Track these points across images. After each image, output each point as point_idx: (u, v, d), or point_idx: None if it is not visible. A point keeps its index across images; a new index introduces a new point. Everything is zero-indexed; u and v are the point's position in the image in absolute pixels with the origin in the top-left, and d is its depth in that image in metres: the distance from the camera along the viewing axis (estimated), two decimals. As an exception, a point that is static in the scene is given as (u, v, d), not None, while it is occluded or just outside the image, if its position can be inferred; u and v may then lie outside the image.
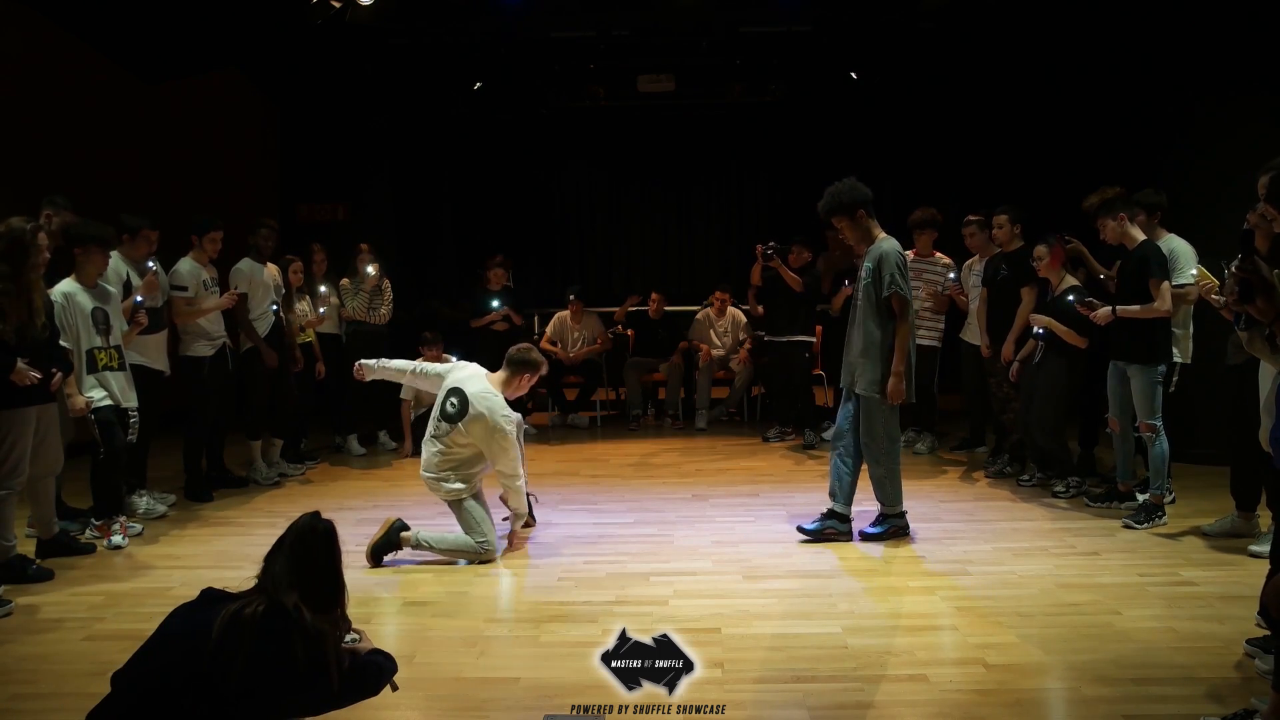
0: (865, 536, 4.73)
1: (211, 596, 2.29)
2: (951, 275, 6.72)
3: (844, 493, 4.74)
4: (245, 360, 6.00)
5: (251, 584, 2.30)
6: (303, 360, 6.50)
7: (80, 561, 4.59)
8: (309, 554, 2.30)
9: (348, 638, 2.49)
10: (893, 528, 4.73)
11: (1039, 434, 5.55)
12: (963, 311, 6.61)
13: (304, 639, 2.17)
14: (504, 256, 8.19)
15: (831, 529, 4.72)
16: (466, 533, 4.53)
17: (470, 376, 4.63)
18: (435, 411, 4.59)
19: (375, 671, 2.43)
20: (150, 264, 5.37)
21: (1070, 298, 5.24)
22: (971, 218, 6.34)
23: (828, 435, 6.24)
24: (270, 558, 2.31)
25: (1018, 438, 5.99)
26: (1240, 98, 6.18)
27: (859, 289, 4.69)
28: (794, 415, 7.43)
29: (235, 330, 5.99)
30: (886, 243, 4.61)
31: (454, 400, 4.50)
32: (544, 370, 4.80)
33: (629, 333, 8.48)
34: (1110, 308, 4.89)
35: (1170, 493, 5.21)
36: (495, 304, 7.89)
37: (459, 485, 4.55)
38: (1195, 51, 6.42)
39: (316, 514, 2.37)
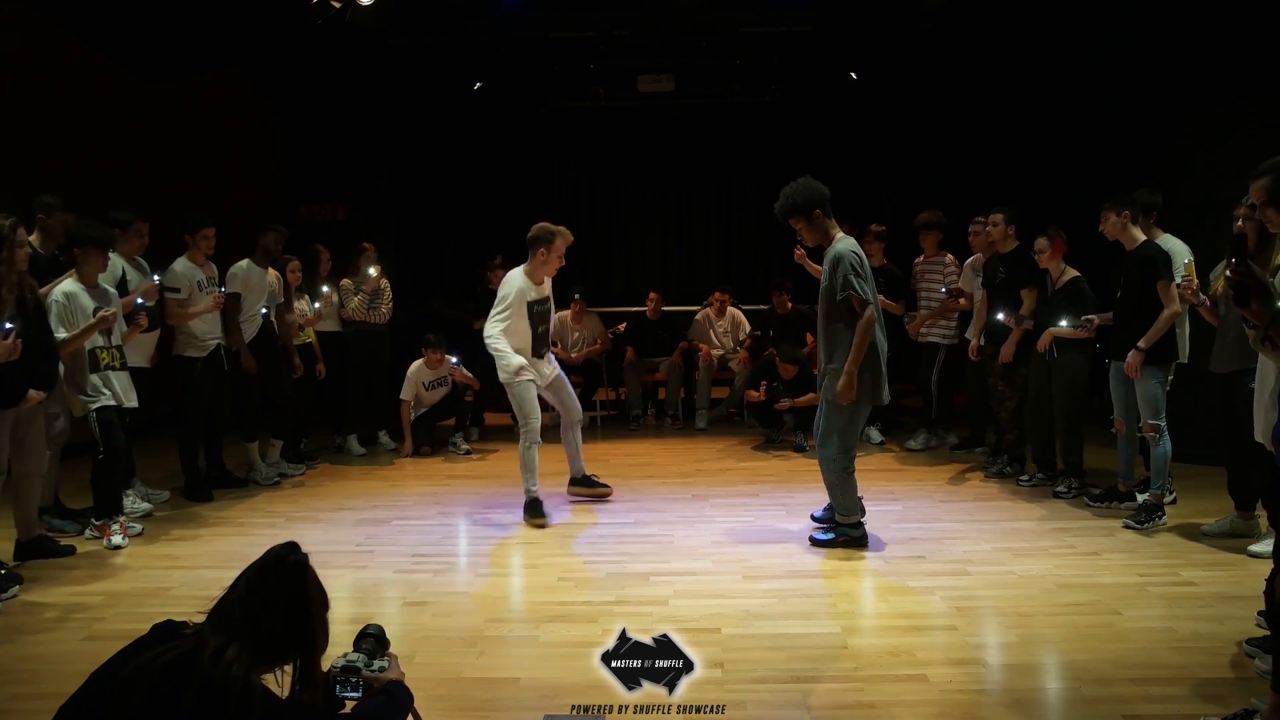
0: (814, 542, 4.65)
1: (159, 634, 1.98)
2: (954, 275, 6.71)
3: None
4: (237, 361, 5.99)
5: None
6: (302, 367, 6.49)
7: (80, 561, 4.59)
8: (268, 590, 1.97)
9: (375, 665, 2.30)
10: (843, 536, 4.60)
11: (1063, 431, 5.54)
12: (966, 311, 6.60)
13: (200, 695, 1.81)
14: (504, 257, 8.19)
15: (844, 536, 4.66)
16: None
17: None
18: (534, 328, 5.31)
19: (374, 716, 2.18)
20: (156, 277, 5.38)
21: (1064, 323, 5.30)
22: (980, 218, 6.33)
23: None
24: (231, 587, 2.00)
25: (1015, 437, 5.99)
26: (1235, 100, 6.18)
27: (821, 291, 4.56)
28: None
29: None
30: (842, 243, 4.45)
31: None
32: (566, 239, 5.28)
33: (628, 350, 8.43)
34: (1135, 352, 4.83)
35: (1171, 492, 5.21)
36: None
37: None
38: (1192, 52, 6.42)
39: (293, 544, 2.06)
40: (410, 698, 2.27)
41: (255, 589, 1.96)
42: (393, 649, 2.51)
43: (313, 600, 2.02)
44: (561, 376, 5.62)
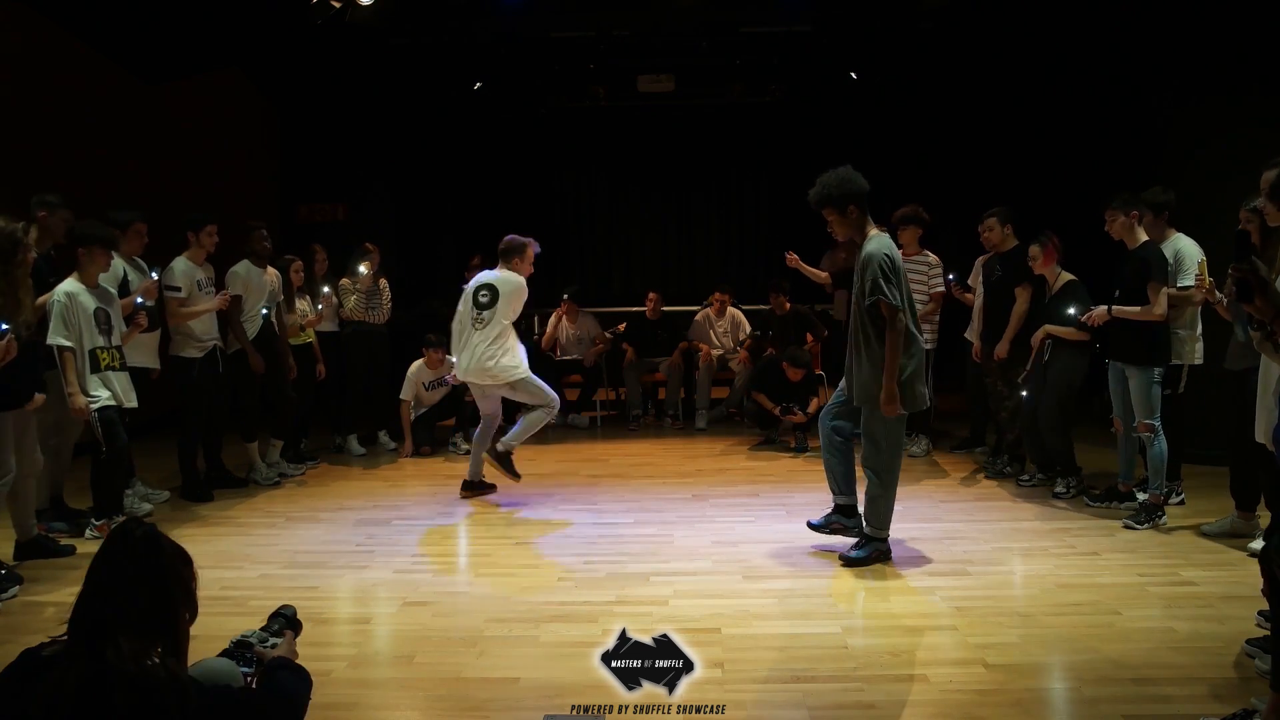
0: (847, 561, 4.35)
1: (25, 667, 1.84)
2: (938, 275, 6.62)
3: (840, 482, 4.50)
4: (235, 362, 5.99)
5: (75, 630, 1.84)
6: (296, 368, 6.46)
7: (80, 561, 4.57)
8: (129, 569, 1.85)
9: (269, 641, 2.28)
10: (875, 552, 4.36)
11: (1046, 431, 5.54)
12: (968, 309, 6.56)
13: (134, 699, 1.73)
14: (482, 258, 8.14)
15: (837, 523, 4.49)
16: (537, 400, 5.46)
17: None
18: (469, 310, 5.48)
19: (279, 699, 2.11)
20: (154, 274, 5.38)
21: (1071, 311, 5.28)
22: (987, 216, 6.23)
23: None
24: (85, 584, 1.86)
25: (1015, 436, 5.99)
26: (1233, 97, 6.17)
27: (854, 294, 4.33)
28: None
29: (225, 331, 5.97)
30: (873, 243, 4.21)
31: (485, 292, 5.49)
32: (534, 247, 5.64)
33: (627, 348, 8.43)
34: (1105, 308, 4.91)
35: (1179, 494, 5.21)
36: None
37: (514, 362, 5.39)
38: (1191, 50, 6.42)
39: (136, 519, 1.99)
40: (305, 685, 2.22)
41: (113, 575, 1.84)
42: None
43: (170, 567, 1.91)
44: None
